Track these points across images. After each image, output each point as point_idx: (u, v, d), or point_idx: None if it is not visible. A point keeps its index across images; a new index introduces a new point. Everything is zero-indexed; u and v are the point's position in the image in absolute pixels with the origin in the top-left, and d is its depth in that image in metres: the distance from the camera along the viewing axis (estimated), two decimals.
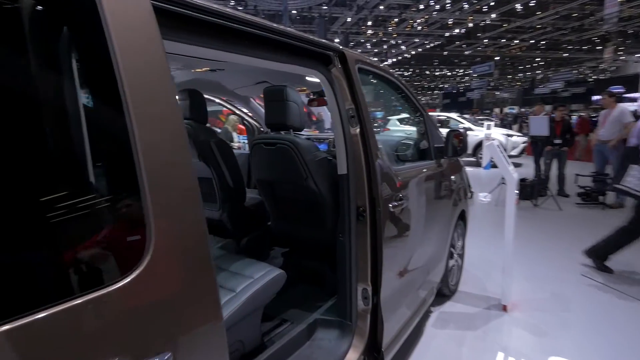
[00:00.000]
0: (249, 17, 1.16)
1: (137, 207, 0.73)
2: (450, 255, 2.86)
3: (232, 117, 6.33)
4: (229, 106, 3.62)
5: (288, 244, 2.34)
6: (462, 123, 10.41)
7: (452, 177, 2.72)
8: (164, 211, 0.75)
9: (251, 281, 1.49)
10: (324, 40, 1.57)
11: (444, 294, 2.92)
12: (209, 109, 3.08)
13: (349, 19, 19.13)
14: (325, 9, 17.99)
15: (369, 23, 19.64)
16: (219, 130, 9.04)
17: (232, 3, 16.13)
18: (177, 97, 0.78)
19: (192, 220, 0.81)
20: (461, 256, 3.18)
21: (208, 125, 2.63)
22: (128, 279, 0.69)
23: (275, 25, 1.31)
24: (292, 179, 1.92)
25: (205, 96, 3.03)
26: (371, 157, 1.68)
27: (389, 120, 10.99)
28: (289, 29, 1.41)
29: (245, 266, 1.61)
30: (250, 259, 1.71)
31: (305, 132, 3.65)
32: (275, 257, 2.51)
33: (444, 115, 11.82)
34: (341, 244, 1.73)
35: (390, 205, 1.76)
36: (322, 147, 3.37)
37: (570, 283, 3.24)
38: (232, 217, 2.39)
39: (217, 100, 3.40)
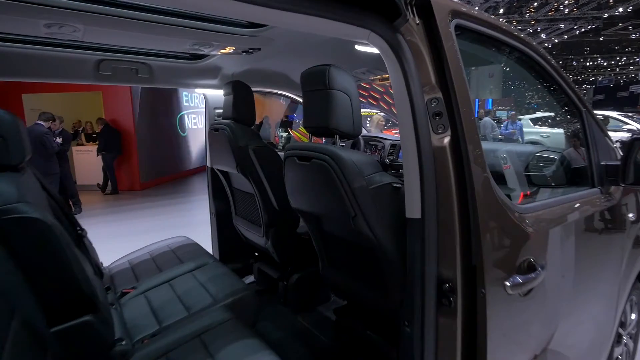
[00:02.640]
0: None
1: None
2: (617, 339, 1.77)
3: (376, 115, 5.76)
4: None
5: (344, 297, 1.66)
6: (629, 124, 7.95)
7: (630, 214, 1.64)
8: None
9: None
10: None
11: None
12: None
13: (476, 8, 17.02)
14: None
15: (501, 11, 17.13)
16: None
17: None
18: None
19: None
20: (634, 337, 2.00)
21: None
22: None
23: None
24: (335, 214, 1.24)
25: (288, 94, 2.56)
26: (472, 190, 0.88)
27: (518, 119, 9.07)
28: None
29: (236, 355, 1.00)
30: (253, 341, 1.09)
31: (395, 136, 2.83)
32: (329, 307, 1.85)
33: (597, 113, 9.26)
34: (407, 337, 0.98)
35: (509, 283, 0.92)
36: None
37: None
38: (278, 246, 1.82)
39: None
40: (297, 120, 8.62)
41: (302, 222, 1.87)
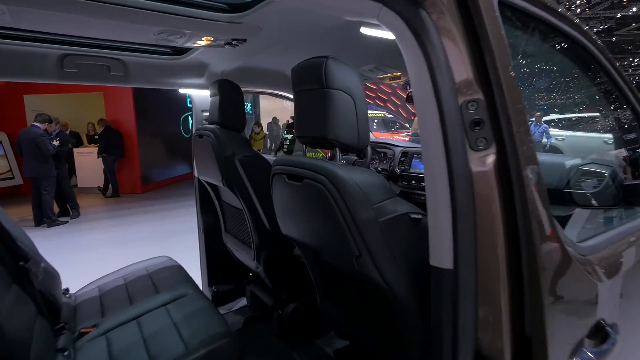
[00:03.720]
0: None
1: None
2: None
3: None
4: None
5: (346, 337, 1.40)
6: None
7: None
8: None
9: None
10: None
11: None
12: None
13: None
14: None
15: None
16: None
17: None
18: None
19: None
20: None
21: None
22: None
23: None
24: (334, 250, 0.98)
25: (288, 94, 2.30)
26: (527, 231, 0.62)
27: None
28: None
29: None
30: None
31: (407, 143, 2.54)
32: (330, 341, 1.59)
33: None
34: None
35: None
36: None
37: None
38: (270, 271, 1.57)
39: None
40: None
41: None
